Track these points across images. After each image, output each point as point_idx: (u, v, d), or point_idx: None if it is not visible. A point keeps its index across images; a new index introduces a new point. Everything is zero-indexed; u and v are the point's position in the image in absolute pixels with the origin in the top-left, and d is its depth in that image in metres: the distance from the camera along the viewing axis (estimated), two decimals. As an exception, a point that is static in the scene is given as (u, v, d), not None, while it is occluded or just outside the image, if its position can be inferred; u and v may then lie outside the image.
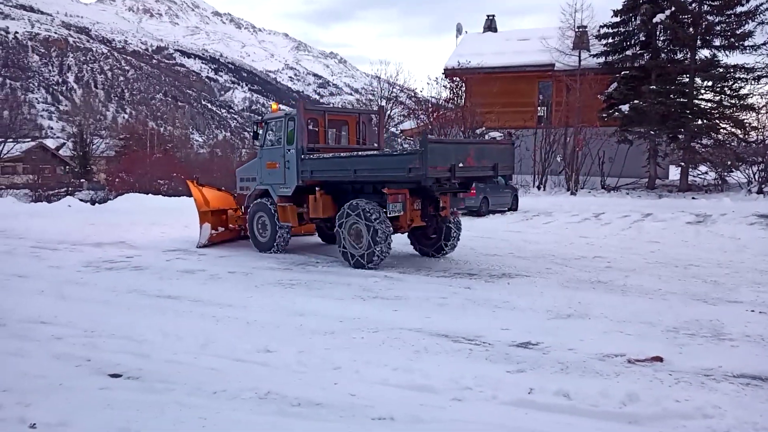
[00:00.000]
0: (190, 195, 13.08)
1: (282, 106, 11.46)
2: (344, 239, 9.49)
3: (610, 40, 24.74)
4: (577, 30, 26.27)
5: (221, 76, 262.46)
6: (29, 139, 50.63)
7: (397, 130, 41.13)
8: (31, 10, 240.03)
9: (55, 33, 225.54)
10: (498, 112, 24.67)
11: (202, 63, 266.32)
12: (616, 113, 23.52)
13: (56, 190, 34.33)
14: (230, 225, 12.36)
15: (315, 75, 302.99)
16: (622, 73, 24.11)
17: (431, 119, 26.71)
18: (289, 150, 10.43)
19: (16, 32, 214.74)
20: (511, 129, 24.83)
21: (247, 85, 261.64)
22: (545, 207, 19.14)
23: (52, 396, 4.14)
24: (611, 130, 23.73)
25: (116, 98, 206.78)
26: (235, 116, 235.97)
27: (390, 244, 9.36)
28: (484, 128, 24.63)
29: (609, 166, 24.71)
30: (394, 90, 38.35)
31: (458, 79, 28.28)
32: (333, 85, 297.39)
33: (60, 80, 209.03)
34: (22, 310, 6.55)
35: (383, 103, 38.23)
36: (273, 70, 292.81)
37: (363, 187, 9.81)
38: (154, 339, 5.51)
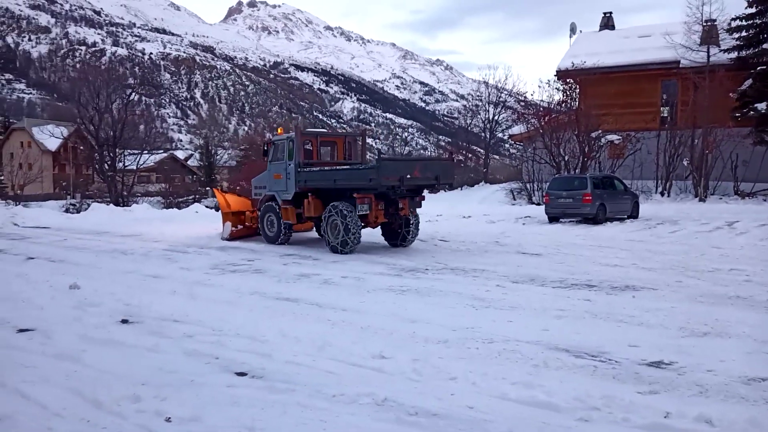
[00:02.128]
0: None
1: (289, 133, 14.00)
2: (327, 231, 12.29)
3: (744, 34, 22.63)
4: (705, 24, 24.28)
5: (332, 88, 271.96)
6: (161, 151, 55.23)
7: (504, 135, 40.32)
8: (164, 32, 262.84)
9: (184, 52, 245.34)
10: (616, 113, 23.36)
11: (315, 76, 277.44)
12: (751, 112, 21.43)
13: (185, 198, 37.10)
14: (247, 223, 14.97)
15: (421, 83, 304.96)
16: (758, 68, 21.93)
17: (542, 123, 25.84)
18: (289, 164, 13.12)
19: (151, 53, 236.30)
20: (631, 131, 23.51)
21: (355, 95, 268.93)
22: (670, 214, 17.78)
23: (185, 391, 4.40)
24: (746, 131, 21.65)
25: (237, 112, 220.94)
26: (344, 126, 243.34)
27: (359, 236, 12.04)
28: (599, 131, 23.44)
29: (743, 170, 22.52)
30: (502, 95, 37.69)
31: (572, 80, 27.17)
32: (439, 92, 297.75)
33: (188, 96, 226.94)
34: (157, 308, 7.08)
35: (490, 108, 37.74)
36: (380, 79, 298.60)
37: (342, 192, 12.19)
38: (274, 340, 5.71)
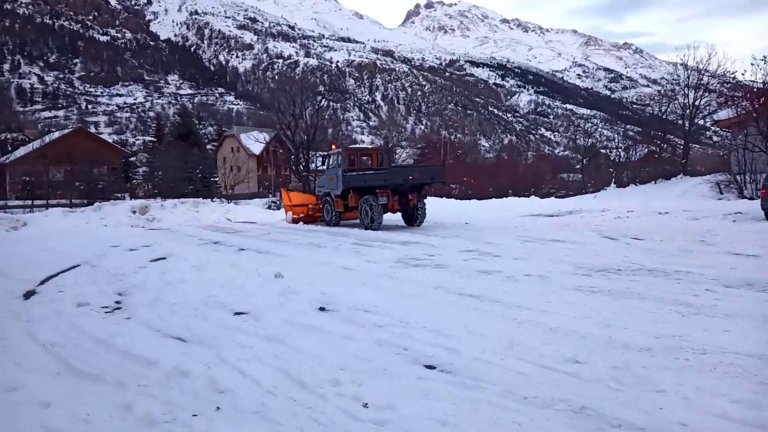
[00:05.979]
0: (480, 198, 16.98)
1: (338, 149, 19.57)
2: (361, 216, 17.22)
3: None
4: None
5: (507, 81, 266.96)
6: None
7: (706, 122, 35.85)
8: (348, 40, 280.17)
9: (366, 58, 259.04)
10: None
11: (490, 70, 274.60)
12: None
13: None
14: (309, 212, 20.73)
15: (606, 69, 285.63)
16: None
17: (755, 106, 22.51)
18: (338, 171, 18.16)
19: (337, 61, 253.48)
20: None
21: (532, 87, 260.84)
22: None
23: (379, 379, 4.57)
24: None
25: (414, 111, 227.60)
26: (521, 119, 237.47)
27: (382, 218, 16.87)
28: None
29: None
30: (704, 77, 33.52)
31: (796, 54, 23.23)
32: (626, 77, 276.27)
33: (369, 99, 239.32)
34: (350, 298, 7.50)
35: (690, 92, 33.82)
36: (559, 69, 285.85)
37: (370, 189, 16.94)
38: (460, 335, 5.70)
